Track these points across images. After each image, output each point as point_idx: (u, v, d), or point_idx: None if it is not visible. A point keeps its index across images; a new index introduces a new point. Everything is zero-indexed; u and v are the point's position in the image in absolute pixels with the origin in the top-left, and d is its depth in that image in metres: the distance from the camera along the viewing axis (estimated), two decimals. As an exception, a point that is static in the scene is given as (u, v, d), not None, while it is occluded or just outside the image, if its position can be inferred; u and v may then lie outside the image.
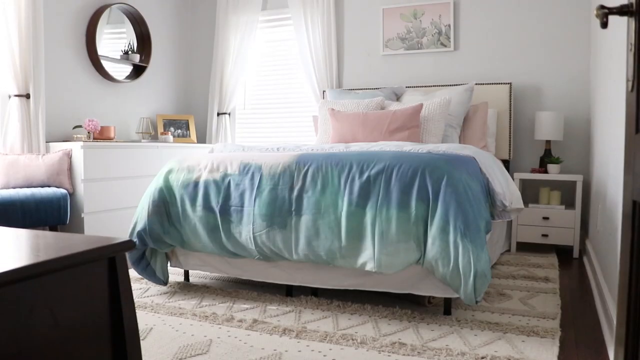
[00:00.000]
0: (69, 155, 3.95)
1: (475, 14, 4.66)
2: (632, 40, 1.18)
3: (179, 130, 5.38)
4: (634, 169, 1.18)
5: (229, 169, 2.79)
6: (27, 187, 3.77)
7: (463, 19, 4.70)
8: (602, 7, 1.17)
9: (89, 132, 4.29)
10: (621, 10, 1.17)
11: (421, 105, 3.85)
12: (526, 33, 4.51)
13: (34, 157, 3.87)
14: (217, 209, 2.75)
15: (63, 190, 3.75)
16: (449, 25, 4.70)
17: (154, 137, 5.23)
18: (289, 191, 2.61)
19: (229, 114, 5.58)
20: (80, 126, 4.37)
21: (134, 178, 4.32)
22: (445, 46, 4.73)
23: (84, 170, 3.93)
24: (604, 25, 1.16)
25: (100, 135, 4.41)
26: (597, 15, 1.17)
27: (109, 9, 4.75)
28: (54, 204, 3.63)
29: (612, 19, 2.21)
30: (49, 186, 3.83)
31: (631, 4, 1.17)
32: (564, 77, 4.41)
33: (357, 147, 3.09)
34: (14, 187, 3.75)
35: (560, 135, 4.22)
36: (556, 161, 4.17)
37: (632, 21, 1.16)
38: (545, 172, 4.23)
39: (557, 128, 4.19)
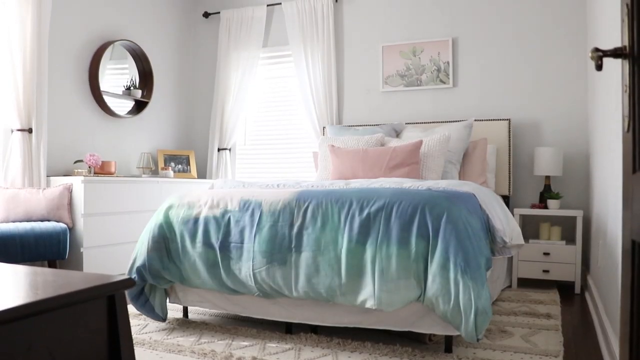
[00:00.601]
0: (69, 190, 3.96)
1: (473, 51, 4.73)
2: (627, 82, 1.20)
3: (180, 166, 5.41)
4: (632, 209, 1.19)
5: (229, 206, 2.80)
6: (27, 221, 3.77)
7: (462, 56, 4.77)
8: (597, 49, 1.19)
9: (90, 167, 4.31)
10: (615, 53, 1.19)
11: (421, 142, 3.87)
12: (524, 70, 4.57)
13: (34, 191, 3.88)
14: (216, 246, 2.74)
15: (63, 225, 3.74)
16: (448, 63, 4.77)
17: (155, 172, 5.25)
18: (289, 228, 2.61)
19: (230, 150, 5.62)
20: (81, 161, 4.39)
21: (134, 213, 4.32)
22: (444, 83, 4.79)
23: (84, 205, 3.94)
24: (599, 67, 1.18)
25: (101, 170, 4.43)
26: (592, 58, 1.19)
27: (112, 45, 4.83)
28: (53, 239, 3.63)
29: (608, 59, 2.25)
30: (48, 220, 3.83)
31: (624, 47, 1.19)
32: (562, 113, 4.45)
33: (357, 183, 3.11)
34: (13, 221, 3.75)
35: (560, 171, 4.23)
36: (556, 197, 4.18)
37: (626, 64, 1.18)
38: (545, 207, 4.23)
39: (556, 164, 4.21)
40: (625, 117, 1.21)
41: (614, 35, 2.38)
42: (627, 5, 1.20)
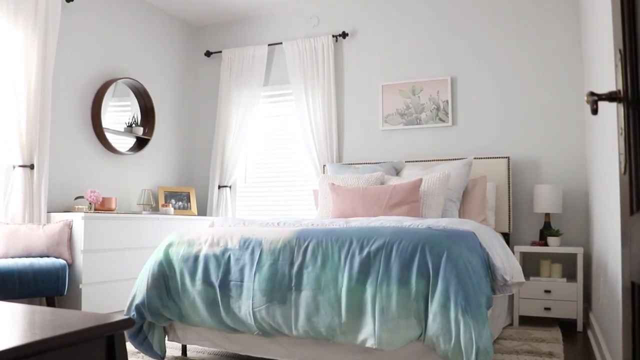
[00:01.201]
0: (69, 226, 3.96)
1: (472, 90, 4.80)
2: (622, 125, 1.22)
3: (180, 203, 5.42)
4: (631, 250, 1.19)
5: (229, 244, 2.80)
6: (27, 256, 3.76)
7: (460, 95, 4.83)
8: (592, 93, 1.21)
9: (90, 203, 4.32)
10: (610, 97, 1.22)
11: (420, 180, 3.89)
12: (523, 108, 4.62)
13: (34, 227, 3.88)
14: (216, 284, 2.73)
15: (62, 261, 3.73)
16: (447, 101, 4.83)
17: (155, 209, 5.25)
18: (289, 266, 2.61)
19: (230, 187, 5.63)
20: (82, 197, 4.41)
21: (133, 250, 4.31)
22: (443, 121, 4.84)
23: (84, 241, 3.93)
24: (594, 111, 1.20)
25: (102, 206, 4.44)
26: (587, 102, 1.21)
27: (115, 83, 4.89)
28: (52, 275, 3.61)
29: (603, 102, 2.28)
30: (48, 256, 3.82)
31: (619, 90, 1.21)
32: (561, 151, 4.48)
33: (357, 222, 3.11)
34: (13, 257, 3.74)
35: (559, 208, 4.24)
36: (556, 234, 4.17)
37: (621, 107, 1.21)
38: (546, 244, 4.23)
39: (555, 201, 4.22)
40: (622, 160, 1.22)
41: (609, 78, 2.42)
42: (619, 51, 1.23)
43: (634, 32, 1.21)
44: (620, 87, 1.22)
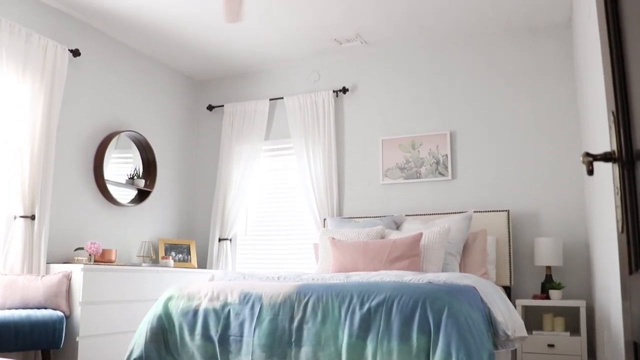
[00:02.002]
0: (68, 278, 3.94)
1: (471, 144, 4.86)
2: (618, 185, 1.24)
3: (180, 255, 5.40)
4: (631, 310, 1.20)
5: (229, 298, 2.78)
6: (24, 308, 3.72)
7: (460, 149, 4.89)
8: (588, 154, 1.24)
9: (90, 255, 4.31)
10: (605, 157, 1.25)
11: (421, 234, 3.90)
12: (522, 161, 4.67)
13: (33, 278, 3.86)
14: (216, 339, 2.71)
15: (59, 313, 3.70)
16: (447, 155, 4.88)
17: (155, 261, 5.23)
18: (289, 322, 2.59)
19: (230, 240, 5.62)
20: (81, 248, 4.40)
21: (132, 302, 4.27)
22: (443, 175, 4.88)
23: (82, 293, 3.90)
24: (590, 172, 1.23)
25: (102, 258, 4.42)
26: (583, 162, 1.24)
27: (118, 135, 4.96)
28: (49, 327, 3.57)
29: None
30: (45, 308, 3.78)
31: (614, 151, 1.24)
32: (560, 203, 4.50)
33: (357, 277, 3.10)
34: (9, 308, 3.70)
35: (560, 261, 4.23)
36: (558, 287, 4.15)
37: (616, 167, 1.23)
38: (547, 298, 4.19)
39: (556, 253, 4.21)
40: (619, 219, 1.24)
41: (605, 135, 2.46)
42: (612, 113, 1.27)
43: (625, 94, 1.25)
44: (614, 147, 1.25)
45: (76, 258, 4.30)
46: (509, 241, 4.43)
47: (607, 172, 2.55)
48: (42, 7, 4.39)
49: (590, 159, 1.23)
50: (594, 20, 2.41)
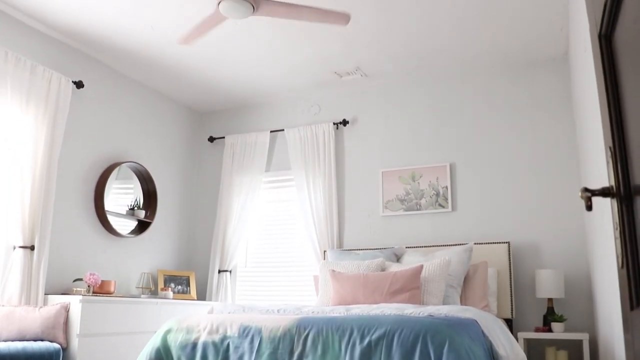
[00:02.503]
0: (66, 309, 3.91)
1: (471, 176, 4.87)
2: (617, 220, 1.25)
3: (180, 287, 5.36)
4: (634, 347, 1.19)
5: (228, 331, 2.76)
6: (20, 340, 3.68)
7: (459, 181, 4.91)
8: (586, 189, 1.25)
9: (89, 286, 4.29)
10: (603, 192, 1.25)
11: (421, 267, 3.88)
12: (521, 193, 4.67)
13: (30, 309, 3.83)
14: (214, 372, 2.68)
15: (56, 345, 3.66)
16: (447, 187, 4.89)
17: (154, 293, 5.20)
18: (289, 355, 2.56)
19: (230, 272, 5.59)
20: (80, 279, 4.38)
21: (131, 334, 4.23)
22: (443, 207, 4.89)
23: (80, 325, 3.86)
24: (589, 208, 1.23)
25: (100, 289, 4.40)
26: (581, 197, 1.25)
27: (119, 166, 4.98)
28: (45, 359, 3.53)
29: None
30: (42, 340, 3.74)
31: (612, 186, 1.25)
32: (561, 235, 4.49)
33: (357, 310, 3.08)
34: (6, 340, 3.66)
35: (562, 293, 4.19)
36: (560, 319, 4.11)
37: (615, 203, 1.24)
38: (550, 330, 4.15)
39: (557, 285, 4.18)
40: (619, 254, 1.24)
41: (604, 168, 2.48)
42: (610, 148, 1.28)
43: (622, 130, 1.26)
44: (612, 183, 1.25)
45: (75, 289, 4.28)
46: (510, 273, 4.41)
47: (607, 204, 2.56)
48: (48, 39, 4.46)
49: (589, 195, 1.24)
50: (590, 54, 2.45)
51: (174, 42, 4.61)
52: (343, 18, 3.61)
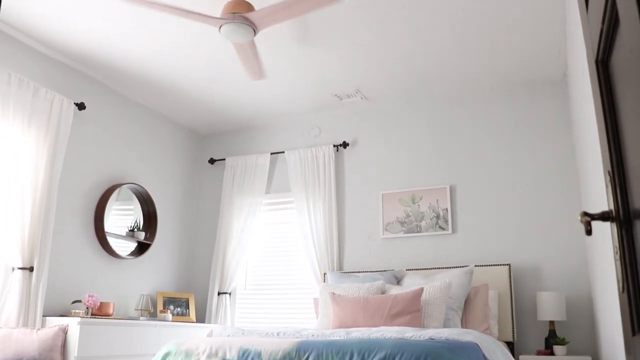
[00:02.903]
0: (64, 331, 3.88)
1: (471, 198, 4.87)
2: (617, 244, 1.25)
3: (179, 309, 5.33)
4: (635, 373, 1.18)
5: (227, 354, 2.74)
6: (17, 364, 3.65)
7: (459, 203, 4.91)
8: (586, 214, 1.25)
9: (87, 308, 4.26)
10: (603, 217, 1.26)
11: (422, 289, 3.87)
12: (522, 215, 4.67)
13: (28, 332, 3.80)
14: (213, 397, 2.65)
15: (53, 369, 3.63)
16: (447, 209, 4.89)
17: (153, 315, 5.17)
18: (288, 379, 2.54)
19: (230, 294, 5.56)
20: (79, 301, 4.36)
21: (129, 357, 4.19)
22: (443, 229, 4.88)
23: (78, 347, 3.83)
24: (589, 232, 1.23)
25: (99, 311, 4.37)
26: (581, 222, 1.25)
27: (119, 188, 4.99)
28: (41, 384, 3.49)
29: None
30: (40, 364, 3.71)
31: (611, 210, 1.25)
32: (562, 257, 4.47)
33: (358, 333, 3.06)
34: (1, 364, 3.64)
35: (564, 315, 4.16)
36: (562, 342, 4.07)
37: (614, 227, 1.24)
38: (552, 354, 4.11)
39: (559, 308, 4.16)
40: (619, 279, 1.24)
41: (603, 191, 2.48)
42: (609, 172, 1.28)
43: (620, 154, 1.27)
44: (612, 207, 1.26)
45: (73, 311, 4.25)
46: (511, 295, 4.39)
47: (607, 227, 2.56)
48: (51, 61, 4.50)
49: (588, 219, 1.24)
50: (588, 77, 2.47)
51: (176, 64, 4.66)
52: None
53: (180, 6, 3.41)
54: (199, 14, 3.39)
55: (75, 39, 4.29)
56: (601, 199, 2.68)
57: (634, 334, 1.19)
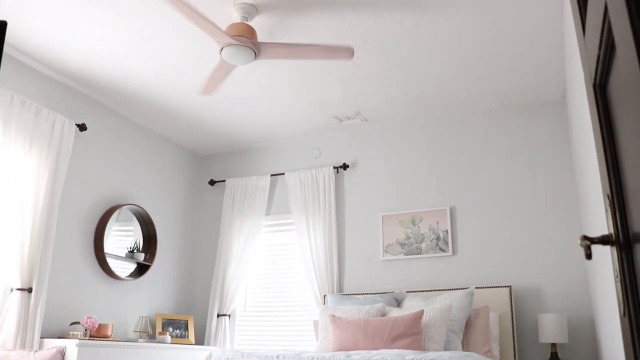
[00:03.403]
0: (62, 353, 3.85)
1: (471, 220, 4.87)
2: (617, 268, 1.25)
3: (178, 331, 5.29)
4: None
5: (226, 377, 2.72)
6: (15, 387, 3.62)
7: (460, 225, 4.90)
8: (585, 237, 1.25)
9: (86, 329, 4.24)
10: (603, 240, 1.25)
11: (422, 312, 3.85)
12: (522, 236, 4.66)
13: (25, 354, 3.77)
14: (211, 421, 2.62)
15: (51, 393, 3.59)
16: (447, 231, 4.89)
17: (152, 337, 5.13)
18: (287, 404, 2.52)
19: (229, 316, 5.52)
20: (77, 322, 4.33)
21: (126, 380, 4.16)
22: (443, 251, 4.87)
23: (76, 370, 3.80)
24: (588, 256, 1.23)
25: (97, 332, 4.34)
26: (581, 245, 1.25)
27: (119, 209, 4.98)
28: (38, 407, 3.46)
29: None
30: (37, 387, 3.67)
31: (611, 234, 1.25)
32: (563, 278, 4.45)
33: (358, 356, 3.04)
34: (-3, 387, 3.60)
35: (566, 338, 4.13)
36: (564, 364, 4.04)
37: (615, 251, 1.24)
38: (554, 377, 4.08)
39: (561, 330, 4.12)
40: (620, 303, 1.24)
41: (603, 213, 2.48)
42: (608, 196, 1.29)
43: (619, 178, 1.27)
44: (612, 231, 1.26)
45: (71, 333, 4.23)
46: (512, 318, 4.36)
47: (608, 248, 2.55)
48: (53, 82, 4.53)
49: (588, 243, 1.24)
50: (587, 99, 2.48)
51: (177, 86, 4.69)
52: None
53: (195, 8, 3.17)
54: (211, 24, 3.23)
55: (76, 61, 4.33)
56: (602, 221, 2.68)
57: (636, 358, 1.18)
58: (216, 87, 4.02)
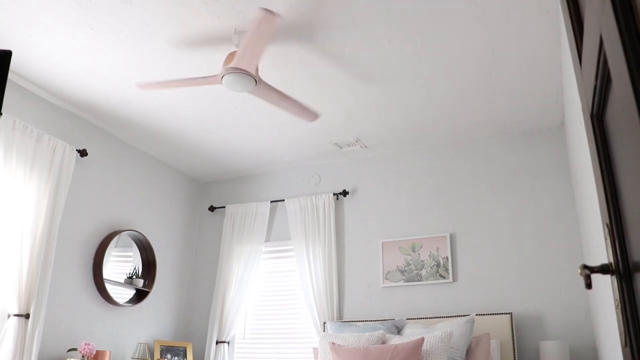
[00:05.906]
0: (59, 382, 3.81)
1: (471, 246, 4.86)
2: (617, 297, 1.25)
3: (176, 358, 5.24)
4: None
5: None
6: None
7: (460, 251, 4.89)
8: (585, 267, 1.25)
9: (83, 356, 4.20)
10: (602, 269, 1.26)
11: (422, 339, 3.81)
12: (523, 263, 4.64)
13: (22, 383, 3.73)
14: None
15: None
16: (447, 258, 4.87)
17: (149, 364, 5.08)
18: None
19: (228, 343, 5.47)
20: (75, 349, 4.29)
21: (123, 409, 4.11)
22: (444, 278, 4.85)
23: (72, 400, 3.76)
24: (588, 286, 1.23)
25: (95, 359, 4.30)
26: (581, 275, 1.25)
27: (119, 234, 4.98)
28: None
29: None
30: (32, 416, 3.62)
31: (611, 263, 1.25)
32: (564, 305, 4.42)
33: (358, 383, 3.01)
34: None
35: (568, 366, 4.09)
36: (567, 395, 3.99)
37: (614, 280, 1.24)
38: (556, 407, 4.02)
39: (563, 358, 4.07)
40: (622, 333, 1.23)
41: (602, 243, 2.48)
42: (607, 225, 1.29)
43: (618, 207, 1.27)
44: (611, 260, 1.26)
45: (68, 359, 4.18)
46: (513, 345, 4.32)
47: (609, 277, 2.54)
48: (54, 108, 4.56)
49: (588, 272, 1.24)
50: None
51: (178, 113, 4.72)
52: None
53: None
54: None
55: (78, 87, 4.37)
56: (602, 248, 2.67)
57: (638, 389, 1.18)
58: (157, 89, 4.11)
